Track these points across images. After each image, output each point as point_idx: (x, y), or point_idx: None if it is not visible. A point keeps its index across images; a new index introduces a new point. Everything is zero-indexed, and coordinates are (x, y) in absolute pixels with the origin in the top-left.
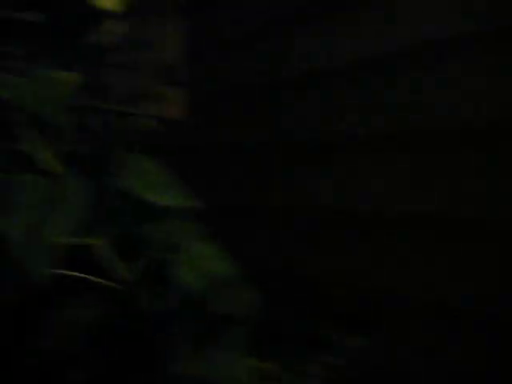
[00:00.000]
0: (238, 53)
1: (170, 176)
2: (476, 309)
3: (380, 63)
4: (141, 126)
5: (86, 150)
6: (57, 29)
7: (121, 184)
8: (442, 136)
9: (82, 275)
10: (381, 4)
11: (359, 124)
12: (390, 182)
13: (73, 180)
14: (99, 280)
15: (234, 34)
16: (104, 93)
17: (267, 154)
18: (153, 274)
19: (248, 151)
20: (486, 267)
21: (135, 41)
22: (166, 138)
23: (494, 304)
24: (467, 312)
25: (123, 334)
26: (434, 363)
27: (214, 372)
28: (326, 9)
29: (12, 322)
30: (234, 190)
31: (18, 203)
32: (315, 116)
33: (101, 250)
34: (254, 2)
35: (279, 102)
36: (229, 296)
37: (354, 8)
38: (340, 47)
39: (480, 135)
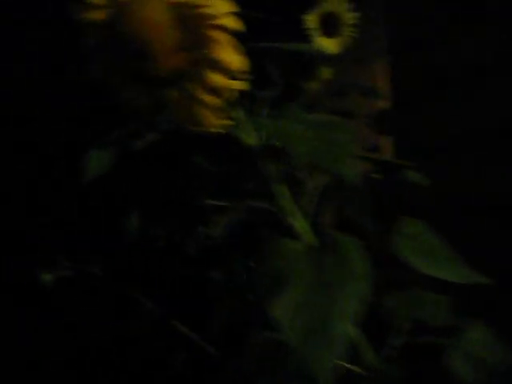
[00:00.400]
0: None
1: (444, 243)
2: None
3: None
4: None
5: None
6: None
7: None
8: None
9: None
10: None
11: None
12: None
13: (351, 251)
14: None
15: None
16: None
17: None
18: (406, 358)
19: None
20: None
21: (343, 85)
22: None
23: None
24: None
25: None
26: None
27: None
28: None
29: None
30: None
31: (289, 279)
32: None
33: None
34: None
35: None
36: None
37: None
38: None
39: None
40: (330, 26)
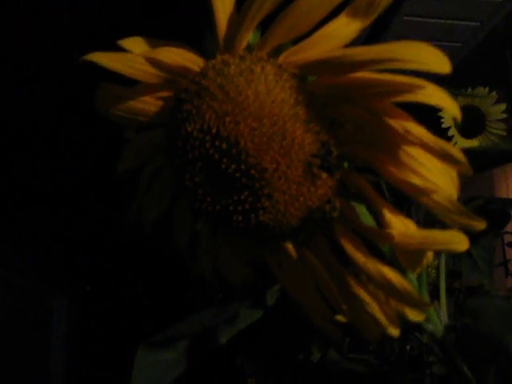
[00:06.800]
0: None
1: None
2: None
3: None
4: None
5: None
6: None
7: None
8: None
9: None
10: None
11: None
12: None
13: None
14: None
15: None
16: None
17: None
18: None
19: None
20: None
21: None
22: None
23: None
24: None
25: None
26: None
27: None
28: None
29: None
30: None
31: None
32: None
33: None
34: None
35: None
36: None
37: None
38: None
39: None
40: (471, 123)
